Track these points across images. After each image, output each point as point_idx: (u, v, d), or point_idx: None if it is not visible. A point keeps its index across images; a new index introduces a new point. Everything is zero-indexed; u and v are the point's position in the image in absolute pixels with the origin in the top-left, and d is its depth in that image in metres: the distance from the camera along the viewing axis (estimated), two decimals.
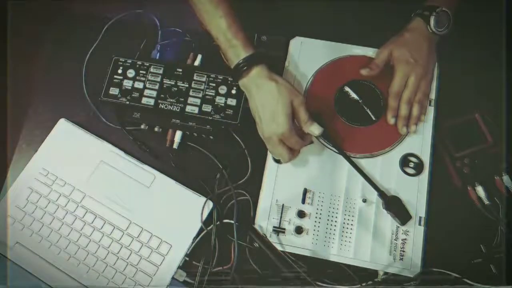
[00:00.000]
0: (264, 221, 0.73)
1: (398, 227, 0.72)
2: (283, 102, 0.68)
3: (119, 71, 0.79)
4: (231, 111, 0.77)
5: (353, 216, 0.73)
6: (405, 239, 0.72)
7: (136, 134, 0.81)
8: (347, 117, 0.78)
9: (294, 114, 0.70)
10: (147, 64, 0.80)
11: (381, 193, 0.73)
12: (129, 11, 0.88)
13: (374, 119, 0.77)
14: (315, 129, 0.71)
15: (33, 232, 0.76)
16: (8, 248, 0.76)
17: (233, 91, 0.78)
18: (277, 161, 0.76)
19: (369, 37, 0.83)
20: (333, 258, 0.72)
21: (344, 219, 0.73)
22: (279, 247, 0.72)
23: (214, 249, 0.72)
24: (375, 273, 0.71)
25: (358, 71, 0.79)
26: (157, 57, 0.84)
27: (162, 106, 0.78)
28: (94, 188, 0.78)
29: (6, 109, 0.84)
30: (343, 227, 0.73)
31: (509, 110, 0.77)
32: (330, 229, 0.73)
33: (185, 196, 0.77)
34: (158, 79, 0.79)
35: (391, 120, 0.76)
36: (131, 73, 0.79)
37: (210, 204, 0.75)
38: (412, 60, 0.75)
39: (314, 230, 0.73)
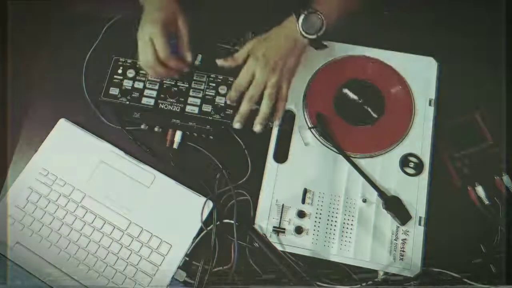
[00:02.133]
0: (264, 221, 0.73)
1: (398, 227, 0.72)
2: (168, 11, 0.71)
3: (119, 71, 0.80)
4: (231, 111, 0.77)
5: (353, 216, 0.73)
6: (405, 239, 0.72)
7: (136, 134, 0.81)
8: (347, 117, 0.78)
9: (177, 32, 0.73)
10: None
11: (381, 193, 0.73)
12: (129, 11, 0.88)
13: (375, 116, 0.77)
14: (188, 56, 0.74)
15: (33, 232, 0.76)
16: (8, 248, 0.76)
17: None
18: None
19: (369, 37, 0.83)
20: (333, 258, 0.72)
21: (344, 219, 0.73)
22: (279, 247, 0.72)
23: (214, 249, 0.72)
24: (375, 273, 0.71)
25: (358, 71, 0.79)
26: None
27: (162, 106, 0.78)
28: (94, 188, 0.78)
29: (6, 109, 0.84)
30: (343, 227, 0.73)
31: (509, 110, 0.77)
32: (330, 229, 0.73)
33: (185, 196, 0.77)
34: (158, 79, 0.79)
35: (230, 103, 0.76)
36: (131, 73, 0.79)
37: (210, 204, 0.75)
38: (261, 57, 0.71)
39: (314, 230, 0.73)
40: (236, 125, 0.73)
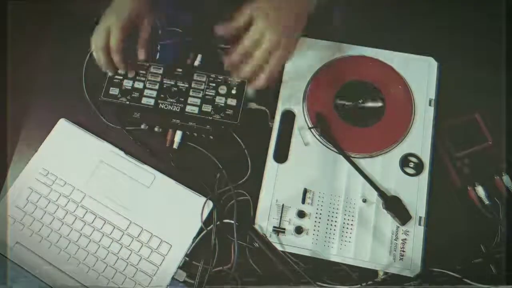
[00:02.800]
0: (264, 221, 0.73)
1: (398, 227, 0.72)
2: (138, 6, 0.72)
3: (119, 71, 0.79)
4: (231, 111, 0.77)
5: (353, 216, 0.73)
6: (405, 239, 0.72)
7: (136, 134, 0.81)
8: (347, 117, 0.78)
9: (140, 29, 0.74)
10: (147, 64, 0.80)
11: (381, 193, 0.73)
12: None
13: (380, 105, 0.77)
14: (141, 54, 0.74)
15: (33, 232, 0.76)
16: (8, 248, 0.76)
17: (233, 91, 0.78)
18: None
19: (369, 37, 0.83)
20: (333, 258, 0.72)
21: (344, 219, 0.73)
22: (279, 247, 0.72)
23: (214, 249, 0.72)
24: (375, 273, 0.71)
25: (358, 71, 0.79)
26: (157, 57, 0.84)
27: (162, 106, 0.78)
28: (94, 188, 0.78)
29: (6, 109, 0.84)
30: (343, 227, 0.73)
31: (509, 110, 0.77)
32: (330, 229, 0.73)
33: (185, 196, 0.77)
34: (158, 79, 0.79)
35: (227, 68, 0.69)
36: (131, 73, 0.79)
37: (210, 204, 0.75)
38: (274, 20, 0.65)
39: (314, 230, 0.73)
40: (236, 80, 0.74)
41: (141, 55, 0.75)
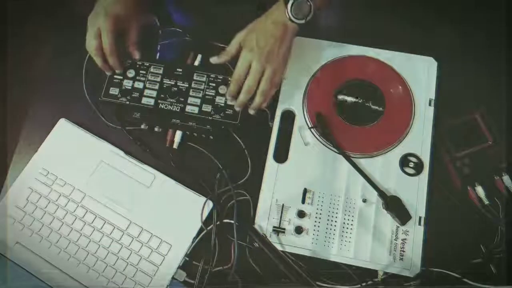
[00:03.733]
0: (264, 221, 0.73)
1: (398, 227, 0.72)
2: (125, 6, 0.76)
3: (119, 71, 0.79)
4: (231, 111, 0.77)
5: (353, 216, 0.73)
6: (405, 239, 0.72)
7: (136, 134, 0.81)
8: (347, 117, 0.78)
9: (129, 29, 0.78)
10: (147, 64, 0.80)
11: (381, 193, 0.73)
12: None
13: (380, 109, 0.77)
14: (135, 54, 0.79)
15: (33, 232, 0.76)
16: (8, 248, 0.76)
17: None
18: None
19: (369, 37, 0.83)
20: (333, 258, 0.72)
21: (344, 219, 0.73)
22: (279, 247, 0.72)
23: (214, 249, 0.72)
24: (375, 273, 0.71)
25: (358, 71, 0.79)
26: (157, 57, 0.84)
27: (162, 106, 0.78)
28: (94, 188, 0.78)
29: (6, 109, 0.84)
30: (343, 227, 0.73)
31: (509, 110, 0.77)
32: (330, 229, 0.73)
33: (185, 196, 0.77)
34: (158, 79, 0.79)
35: (230, 101, 0.77)
36: (131, 73, 0.79)
37: (210, 204, 0.75)
38: (256, 47, 0.72)
39: (314, 230, 0.73)
40: (237, 108, 0.76)
41: (135, 55, 0.80)
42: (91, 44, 0.75)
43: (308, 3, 0.71)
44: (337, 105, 0.79)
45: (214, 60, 0.76)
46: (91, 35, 0.75)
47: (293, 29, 0.74)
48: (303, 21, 0.72)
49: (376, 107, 0.77)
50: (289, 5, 0.71)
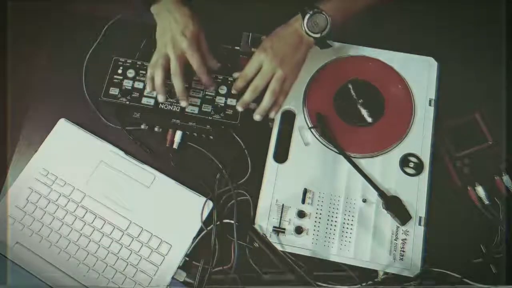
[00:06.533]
0: (264, 221, 0.73)
1: (398, 227, 0.72)
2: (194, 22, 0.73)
3: (119, 71, 0.79)
4: (231, 111, 0.77)
5: (353, 216, 0.73)
6: (405, 239, 0.72)
7: (136, 134, 0.81)
8: (346, 117, 0.78)
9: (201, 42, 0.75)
10: (147, 64, 0.80)
11: (381, 193, 0.73)
12: (129, 11, 0.88)
13: (369, 121, 0.77)
14: (214, 63, 0.77)
15: (33, 232, 0.76)
16: (8, 248, 0.76)
17: (233, 91, 0.78)
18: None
19: (369, 37, 0.83)
20: (333, 258, 0.72)
21: (344, 219, 0.73)
22: (279, 247, 0.72)
23: (214, 249, 0.72)
24: (375, 273, 0.71)
25: (358, 71, 0.79)
26: None
27: (162, 106, 0.78)
28: (94, 188, 0.78)
29: (6, 109, 0.84)
30: (343, 227, 0.73)
31: (509, 110, 0.77)
32: (330, 229, 0.73)
33: (185, 196, 0.77)
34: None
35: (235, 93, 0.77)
36: (131, 73, 0.79)
37: (210, 204, 0.75)
38: (270, 49, 0.73)
39: (314, 230, 0.73)
40: (239, 108, 0.76)
41: (216, 64, 0.78)
42: (176, 70, 0.73)
43: (325, 17, 0.72)
44: (338, 101, 0.78)
45: (235, 88, 0.77)
46: (177, 62, 0.72)
47: (308, 42, 0.74)
48: (318, 35, 0.73)
49: (367, 117, 0.77)
50: (305, 19, 0.72)
